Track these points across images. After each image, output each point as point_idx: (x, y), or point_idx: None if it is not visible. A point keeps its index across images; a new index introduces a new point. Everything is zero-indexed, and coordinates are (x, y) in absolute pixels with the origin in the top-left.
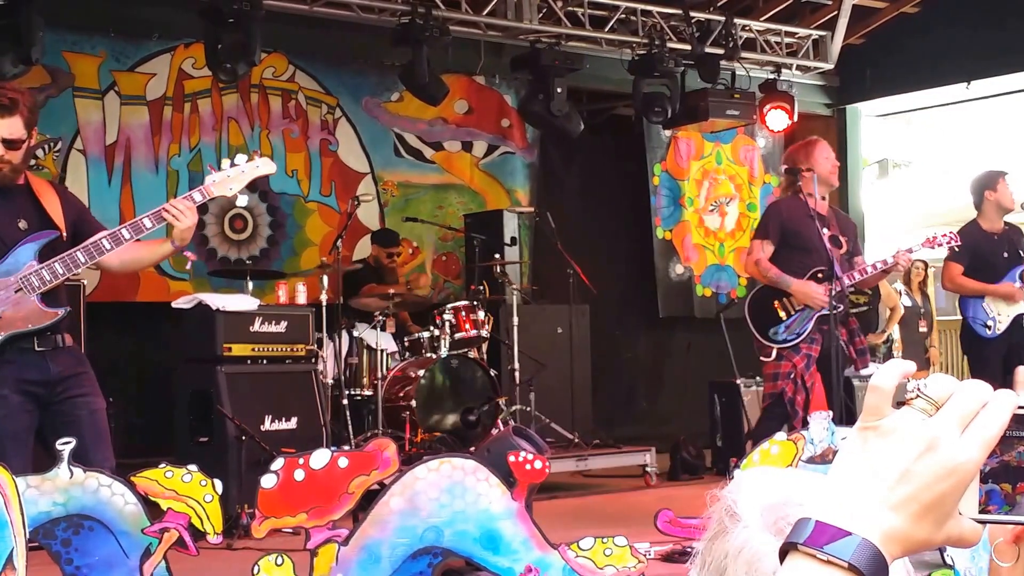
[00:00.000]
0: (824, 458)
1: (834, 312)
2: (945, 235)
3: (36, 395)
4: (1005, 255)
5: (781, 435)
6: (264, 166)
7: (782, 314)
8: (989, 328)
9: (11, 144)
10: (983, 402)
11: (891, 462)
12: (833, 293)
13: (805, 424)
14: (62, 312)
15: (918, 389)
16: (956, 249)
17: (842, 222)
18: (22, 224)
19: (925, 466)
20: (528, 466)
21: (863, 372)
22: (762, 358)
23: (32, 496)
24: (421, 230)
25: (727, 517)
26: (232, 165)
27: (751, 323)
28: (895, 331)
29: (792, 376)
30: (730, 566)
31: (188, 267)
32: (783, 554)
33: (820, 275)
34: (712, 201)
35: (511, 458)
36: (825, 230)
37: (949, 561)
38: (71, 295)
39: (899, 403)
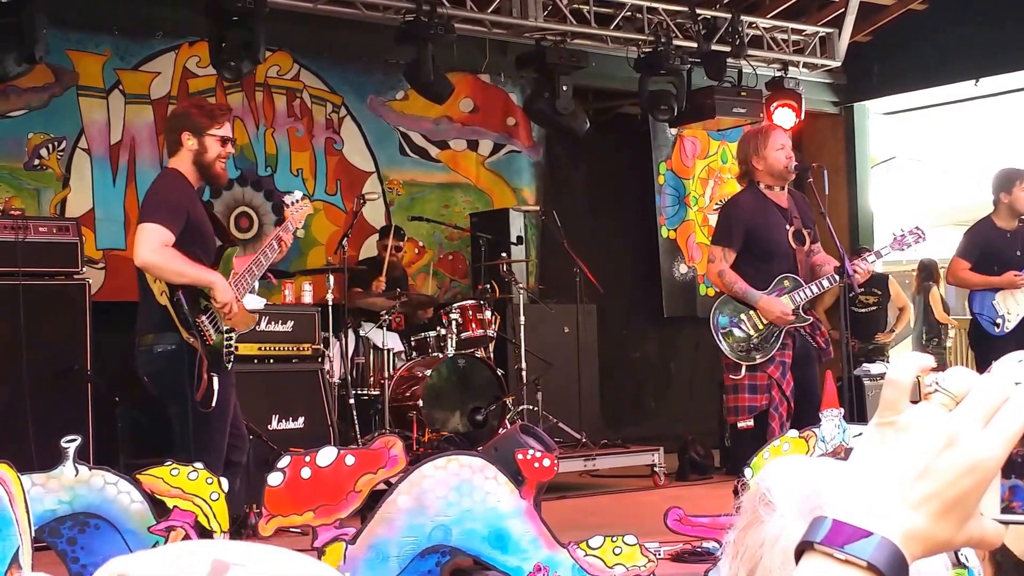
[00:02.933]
0: (836, 456)
1: (802, 323)
2: (912, 232)
3: None
4: (1019, 252)
5: (793, 432)
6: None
7: (751, 332)
8: (998, 326)
9: (234, 144)
10: (1005, 396)
11: (910, 459)
12: (801, 303)
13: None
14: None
15: (936, 383)
16: (921, 241)
17: (801, 208)
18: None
19: (946, 462)
20: (536, 464)
21: (871, 370)
22: (730, 375)
23: (38, 494)
24: (427, 229)
25: (761, 506)
26: (297, 202)
27: (718, 338)
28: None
29: (770, 388)
30: (766, 555)
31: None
32: (799, 554)
33: (787, 282)
34: (717, 200)
35: (519, 456)
36: (789, 225)
37: (964, 561)
38: (76, 295)
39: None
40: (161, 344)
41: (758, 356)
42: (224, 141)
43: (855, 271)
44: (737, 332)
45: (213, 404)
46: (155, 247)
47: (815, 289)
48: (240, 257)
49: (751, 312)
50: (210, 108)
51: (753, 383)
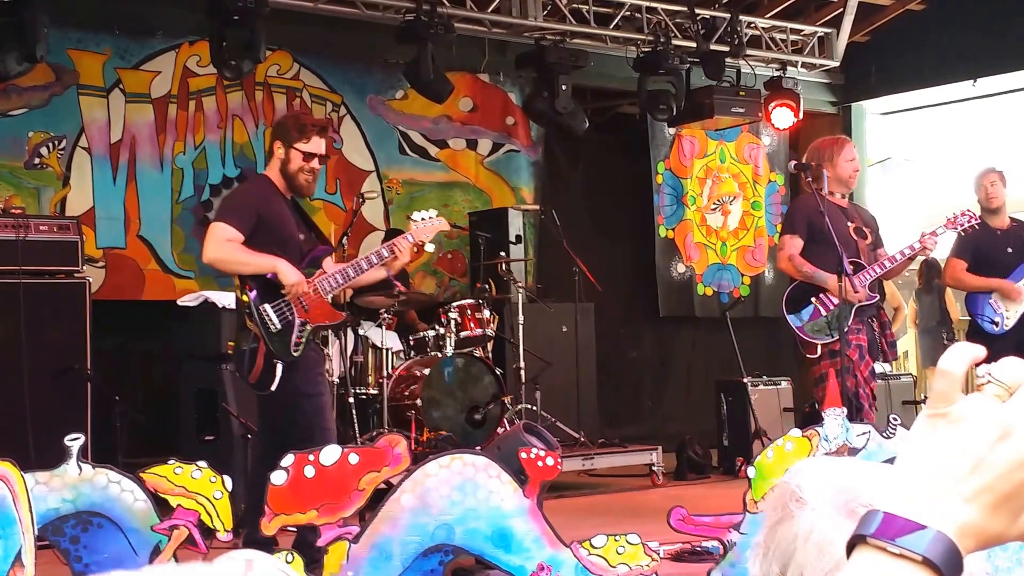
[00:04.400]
0: (839, 455)
1: (871, 300)
2: (964, 213)
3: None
4: (1010, 250)
5: (796, 431)
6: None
7: (822, 310)
8: (996, 325)
9: (322, 160)
10: None
11: (963, 451)
12: (867, 282)
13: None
14: (346, 315)
15: (989, 374)
16: (976, 227)
17: (864, 216)
18: (301, 234)
19: (1000, 455)
20: (540, 463)
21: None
22: (807, 355)
23: (41, 493)
24: None
25: (792, 502)
26: (430, 217)
27: (791, 321)
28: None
29: (851, 369)
30: (799, 549)
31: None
32: (850, 547)
33: (851, 267)
34: (715, 200)
35: (523, 455)
36: (850, 223)
37: None
38: (76, 293)
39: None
40: (243, 343)
41: (831, 336)
42: (309, 156)
43: (925, 246)
44: (810, 313)
45: (273, 387)
46: (218, 242)
47: (877, 270)
48: (334, 259)
49: (821, 294)
50: (302, 123)
51: (836, 368)
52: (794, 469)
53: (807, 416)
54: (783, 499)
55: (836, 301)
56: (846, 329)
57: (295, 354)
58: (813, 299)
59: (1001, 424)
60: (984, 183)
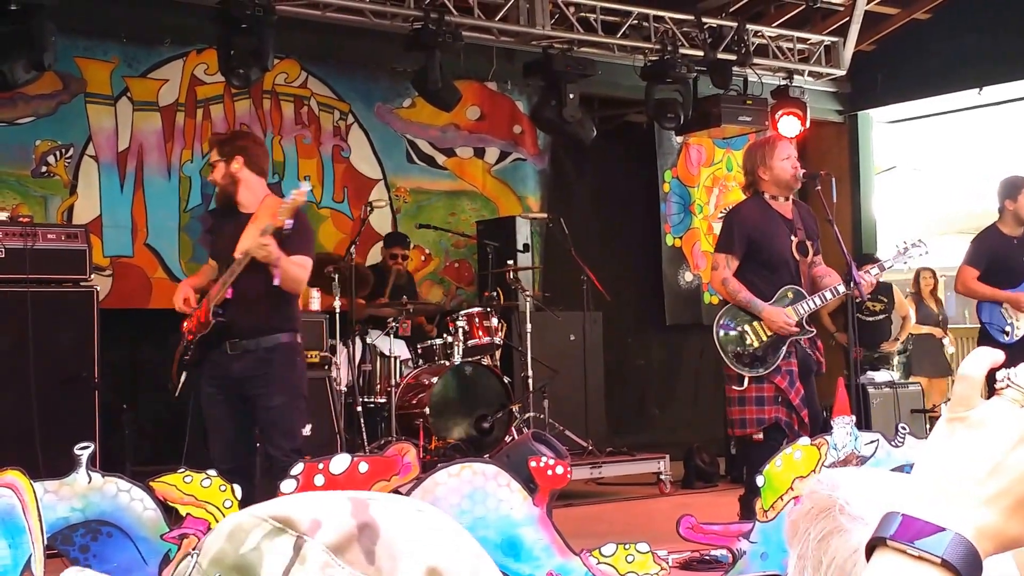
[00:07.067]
0: (847, 464)
1: (805, 335)
2: (916, 244)
3: None
4: None
5: (805, 440)
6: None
7: (754, 342)
8: (1007, 334)
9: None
10: None
11: (982, 455)
12: (804, 315)
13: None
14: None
15: (1008, 378)
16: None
17: (805, 219)
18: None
19: (1018, 459)
20: (550, 472)
21: (876, 378)
22: (733, 386)
23: (50, 501)
24: (433, 236)
25: (842, 516)
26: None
27: (720, 348)
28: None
29: (779, 399)
30: (860, 564)
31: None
32: (870, 549)
33: (790, 294)
34: (722, 208)
35: (532, 463)
36: (793, 236)
37: None
38: (84, 301)
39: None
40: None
41: (761, 368)
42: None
43: (860, 282)
44: (740, 342)
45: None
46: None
47: (818, 302)
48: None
49: (755, 322)
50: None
51: (760, 395)
52: (828, 482)
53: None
54: (826, 512)
55: (769, 333)
56: (776, 365)
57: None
58: (746, 326)
59: (1020, 428)
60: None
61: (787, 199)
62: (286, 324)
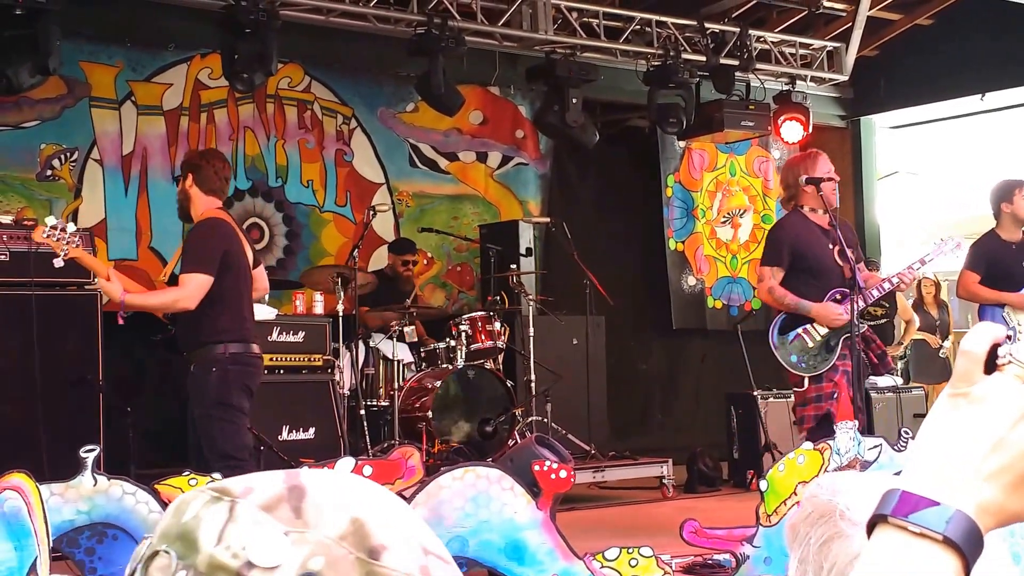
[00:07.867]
0: (851, 468)
1: (856, 331)
2: (951, 238)
3: None
4: None
5: (808, 445)
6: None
7: (809, 342)
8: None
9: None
10: None
11: (984, 430)
12: (855, 311)
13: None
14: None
15: (1011, 355)
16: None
17: (844, 232)
18: None
19: (1020, 435)
20: (553, 475)
21: (879, 383)
22: (795, 388)
23: (56, 504)
24: (436, 241)
25: (843, 522)
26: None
27: (779, 355)
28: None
29: (836, 395)
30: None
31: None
32: (871, 527)
33: (839, 296)
34: (725, 213)
35: (536, 467)
36: (832, 245)
37: None
38: (88, 305)
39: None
40: None
41: (820, 366)
42: None
43: (903, 278)
44: (796, 346)
45: None
46: None
47: (867, 298)
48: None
49: (808, 325)
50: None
51: (819, 393)
52: (827, 487)
53: (811, 432)
54: (827, 517)
55: (823, 331)
56: (833, 363)
57: None
58: (800, 330)
59: (1022, 404)
60: (1020, 197)
61: (825, 212)
62: (205, 337)
